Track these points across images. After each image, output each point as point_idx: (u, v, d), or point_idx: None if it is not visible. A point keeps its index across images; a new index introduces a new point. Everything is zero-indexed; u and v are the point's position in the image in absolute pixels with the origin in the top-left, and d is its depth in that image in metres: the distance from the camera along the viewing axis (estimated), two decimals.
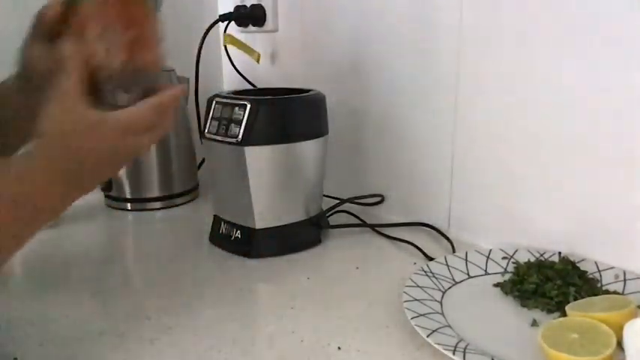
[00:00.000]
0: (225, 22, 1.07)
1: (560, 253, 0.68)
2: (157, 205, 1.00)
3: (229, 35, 1.01)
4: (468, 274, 0.67)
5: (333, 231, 0.84)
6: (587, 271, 0.64)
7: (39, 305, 0.65)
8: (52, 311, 0.63)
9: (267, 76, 1.09)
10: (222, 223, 0.80)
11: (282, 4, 1.05)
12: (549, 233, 0.71)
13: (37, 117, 0.46)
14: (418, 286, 0.62)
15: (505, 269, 0.68)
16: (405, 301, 0.58)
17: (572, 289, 0.60)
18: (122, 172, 0.97)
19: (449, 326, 0.55)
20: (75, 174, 0.47)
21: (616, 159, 0.64)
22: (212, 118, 0.76)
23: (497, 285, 0.65)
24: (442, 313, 0.58)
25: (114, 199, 1.00)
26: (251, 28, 1.09)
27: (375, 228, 0.84)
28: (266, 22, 1.07)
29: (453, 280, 0.65)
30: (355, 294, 0.66)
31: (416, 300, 0.59)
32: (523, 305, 0.61)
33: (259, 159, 0.73)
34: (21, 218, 0.44)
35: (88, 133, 0.47)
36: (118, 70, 0.49)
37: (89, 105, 0.47)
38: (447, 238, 0.79)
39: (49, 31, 0.52)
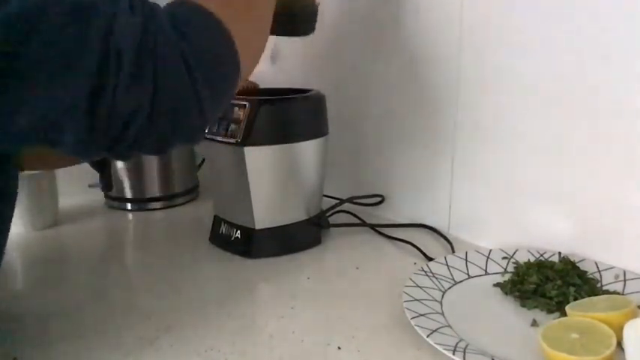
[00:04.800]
0: None
1: (560, 253, 0.68)
2: (157, 205, 1.00)
3: None
4: (468, 274, 0.67)
5: (333, 231, 0.84)
6: (587, 271, 0.64)
7: (39, 305, 0.65)
8: (52, 311, 0.63)
9: (267, 76, 1.08)
10: (222, 224, 0.80)
11: None
12: (549, 233, 0.71)
13: None
14: (418, 286, 0.62)
15: (505, 269, 0.68)
16: (405, 301, 0.58)
17: (572, 289, 0.60)
18: (122, 172, 0.97)
19: (449, 326, 0.55)
20: None
21: (616, 159, 0.64)
22: None
23: (497, 285, 0.65)
24: (442, 313, 0.58)
25: (114, 199, 1.00)
26: None
27: (375, 228, 0.84)
28: None
29: (453, 280, 0.65)
30: (355, 294, 0.66)
31: (416, 300, 0.59)
32: (523, 305, 0.61)
33: (259, 159, 0.73)
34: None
35: None
36: None
37: None
38: (447, 239, 0.79)
39: None
